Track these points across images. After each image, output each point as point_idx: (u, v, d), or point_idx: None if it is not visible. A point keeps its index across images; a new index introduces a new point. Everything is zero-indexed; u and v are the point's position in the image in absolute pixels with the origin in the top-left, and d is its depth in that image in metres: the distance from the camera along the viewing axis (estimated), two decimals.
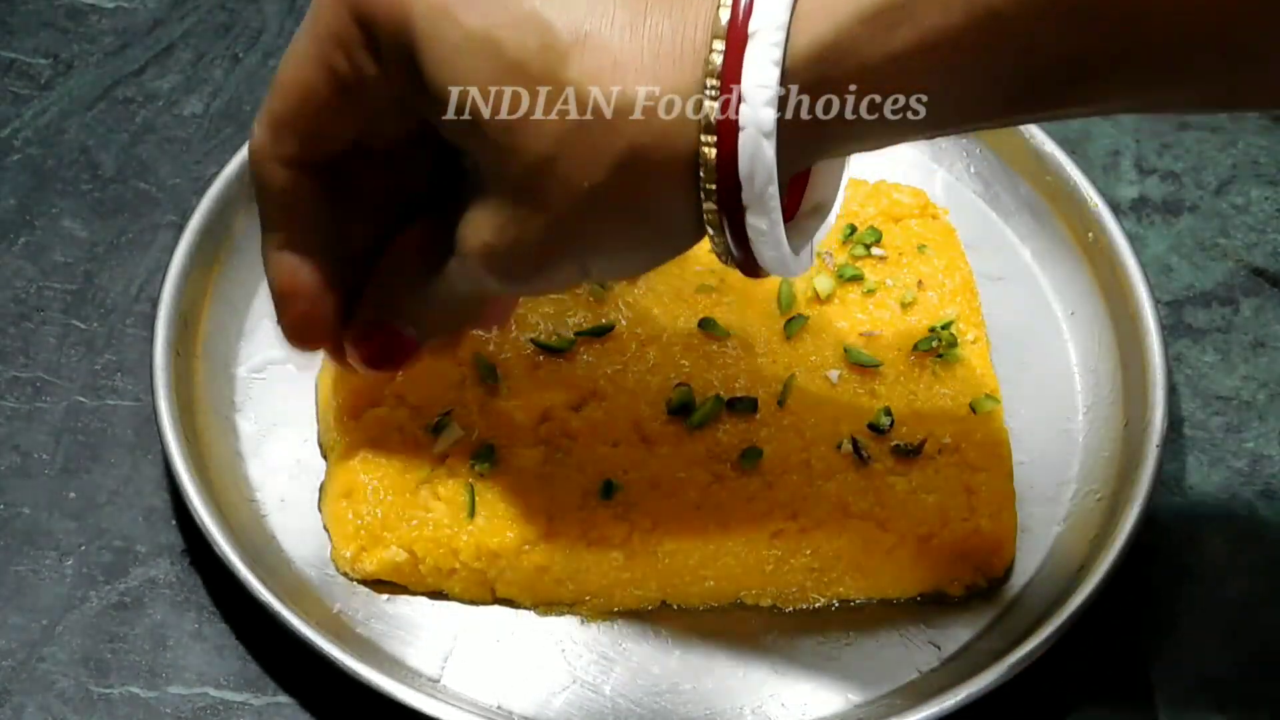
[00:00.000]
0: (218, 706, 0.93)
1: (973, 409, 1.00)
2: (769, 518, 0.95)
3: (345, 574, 0.97)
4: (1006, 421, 1.02)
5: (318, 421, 1.02)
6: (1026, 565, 0.98)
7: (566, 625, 0.96)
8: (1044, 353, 1.07)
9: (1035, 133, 1.12)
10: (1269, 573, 1.00)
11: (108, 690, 0.94)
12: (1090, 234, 1.08)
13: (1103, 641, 0.97)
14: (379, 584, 0.97)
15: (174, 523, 0.99)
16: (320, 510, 0.99)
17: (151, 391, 0.98)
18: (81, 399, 1.04)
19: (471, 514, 0.95)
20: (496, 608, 0.96)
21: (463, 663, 0.94)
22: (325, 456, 1.01)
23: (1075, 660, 0.96)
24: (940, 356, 1.01)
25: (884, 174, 1.12)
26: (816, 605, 0.97)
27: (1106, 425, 1.03)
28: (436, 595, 0.97)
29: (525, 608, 0.96)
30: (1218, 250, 1.14)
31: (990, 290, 1.08)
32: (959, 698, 0.90)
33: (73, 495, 1.00)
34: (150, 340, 1.00)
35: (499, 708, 0.92)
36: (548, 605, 0.96)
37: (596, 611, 0.96)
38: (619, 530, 0.95)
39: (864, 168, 1.13)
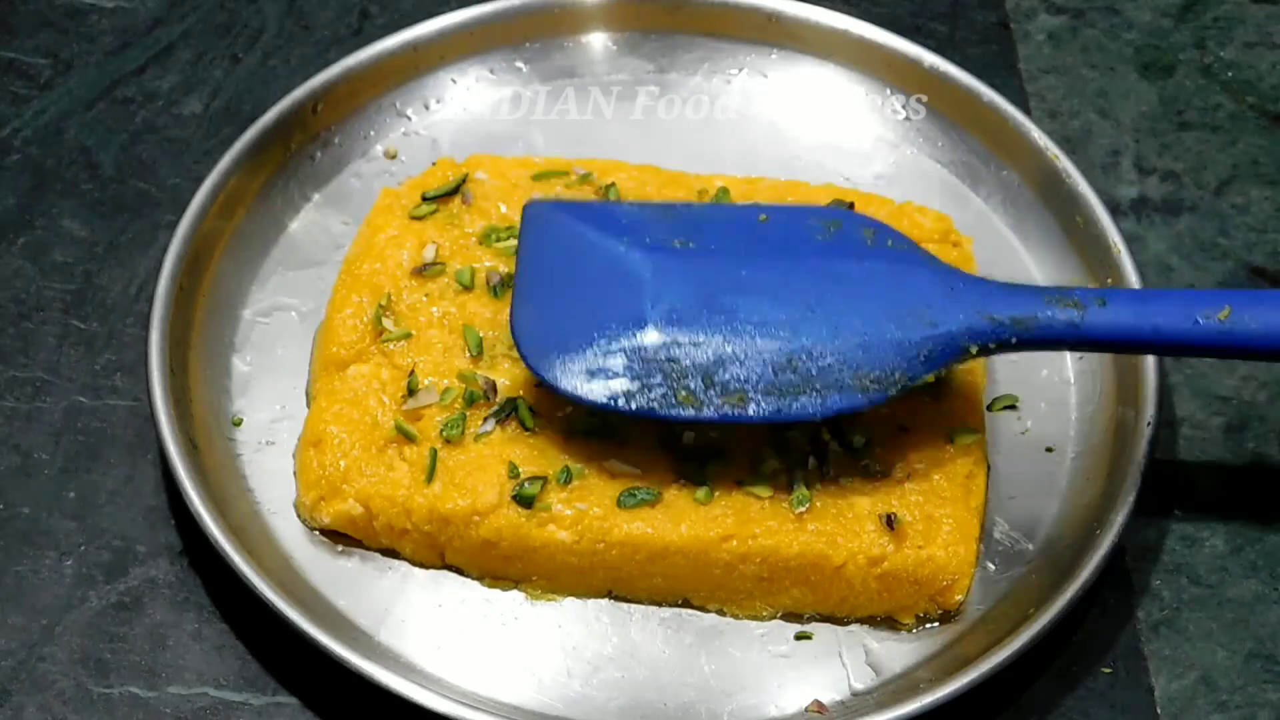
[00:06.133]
0: (217, 706, 0.93)
1: (950, 439, 0.99)
2: (721, 521, 0.95)
3: (304, 521, 0.98)
4: (994, 458, 1.01)
5: (309, 370, 1.03)
6: (982, 602, 0.97)
7: (511, 601, 0.97)
8: (1047, 395, 1.05)
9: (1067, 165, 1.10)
10: (1269, 573, 1.00)
11: (107, 690, 0.94)
12: (1110, 280, 1.06)
13: (1103, 641, 0.97)
14: (338, 536, 0.98)
15: (173, 522, 0.99)
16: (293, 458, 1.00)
17: (148, 392, 0.98)
18: (81, 399, 1.04)
19: (430, 478, 0.96)
20: (448, 573, 0.97)
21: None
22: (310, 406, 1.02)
23: (1075, 659, 0.96)
24: (930, 384, 1.00)
25: (915, 196, 1.11)
26: (763, 615, 0.97)
27: (1090, 476, 1.01)
28: (389, 553, 0.98)
29: (473, 577, 0.97)
30: (1218, 250, 1.14)
31: None
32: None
33: (73, 495, 1.00)
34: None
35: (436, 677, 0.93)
36: (494, 578, 0.97)
37: (542, 592, 0.97)
38: (570, 515, 0.95)
39: (895, 189, 1.12)
